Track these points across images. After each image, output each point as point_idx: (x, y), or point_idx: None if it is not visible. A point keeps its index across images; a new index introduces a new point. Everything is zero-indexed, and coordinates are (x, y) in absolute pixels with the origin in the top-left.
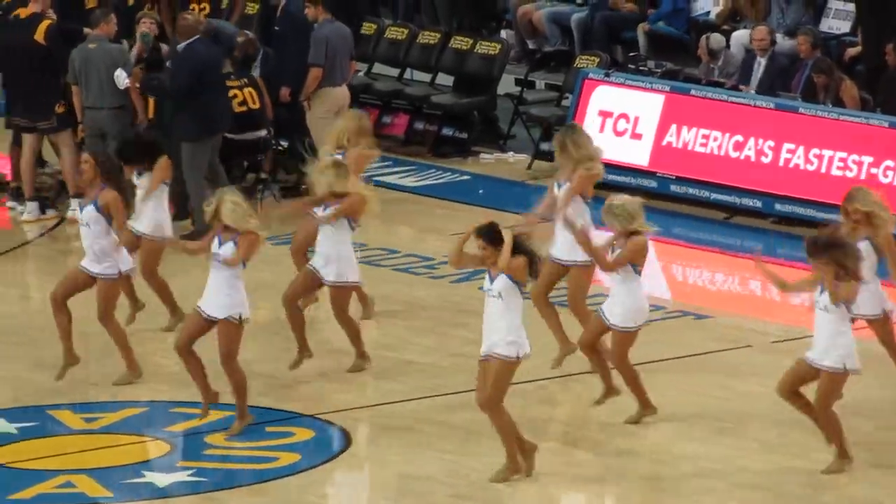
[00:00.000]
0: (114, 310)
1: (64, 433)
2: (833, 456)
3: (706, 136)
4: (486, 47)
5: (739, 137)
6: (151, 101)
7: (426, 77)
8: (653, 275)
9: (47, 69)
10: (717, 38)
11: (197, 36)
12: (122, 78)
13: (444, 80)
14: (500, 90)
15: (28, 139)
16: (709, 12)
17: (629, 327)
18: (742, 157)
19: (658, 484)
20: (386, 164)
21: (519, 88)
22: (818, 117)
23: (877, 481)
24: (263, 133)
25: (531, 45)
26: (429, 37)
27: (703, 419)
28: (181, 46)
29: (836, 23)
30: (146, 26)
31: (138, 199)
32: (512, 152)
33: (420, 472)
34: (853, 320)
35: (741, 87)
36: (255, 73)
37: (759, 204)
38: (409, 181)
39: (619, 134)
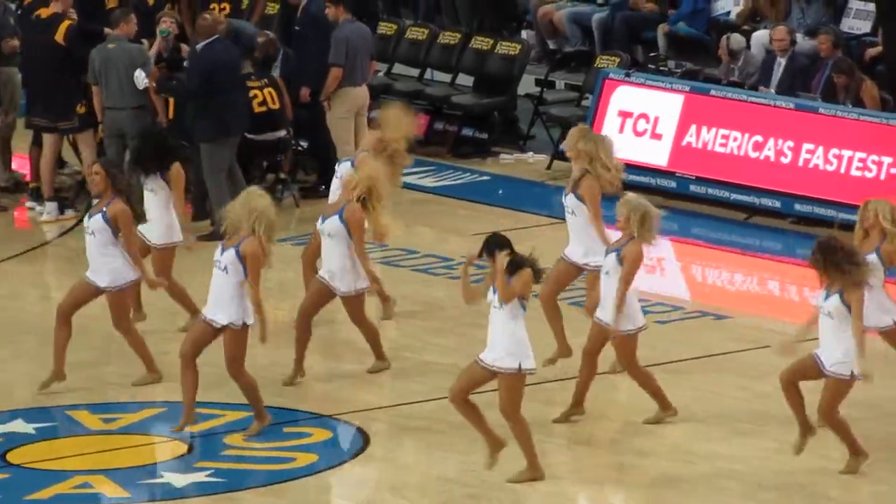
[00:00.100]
0: (128, 316)
1: (82, 434)
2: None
3: (726, 137)
4: (507, 47)
5: (759, 137)
6: (171, 101)
7: (446, 77)
8: (672, 275)
9: (67, 69)
10: (737, 39)
11: (216, 36)
12: (141, 78)
13: (465, 80)
14: (521, 90)
15: (49, 139)
16: (729, 12)
17: (629, 330)
18: (762, 157)
19: (676, 484)
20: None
21: (539, 89)
22: (838, 117)
23: None
24: (283, 133)
25: (551, 46)
26: (449, 37)
27: (721, 419)
28: (199, 46)
29: (857, 23)
30: (166, 24)
31: (148, 205)
32: (532, 153)
33: (438, 473)
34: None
35: (760, 87)
36: (275, 73)
37: (778, 204)
38: (428, 181)
39: (638, 134)
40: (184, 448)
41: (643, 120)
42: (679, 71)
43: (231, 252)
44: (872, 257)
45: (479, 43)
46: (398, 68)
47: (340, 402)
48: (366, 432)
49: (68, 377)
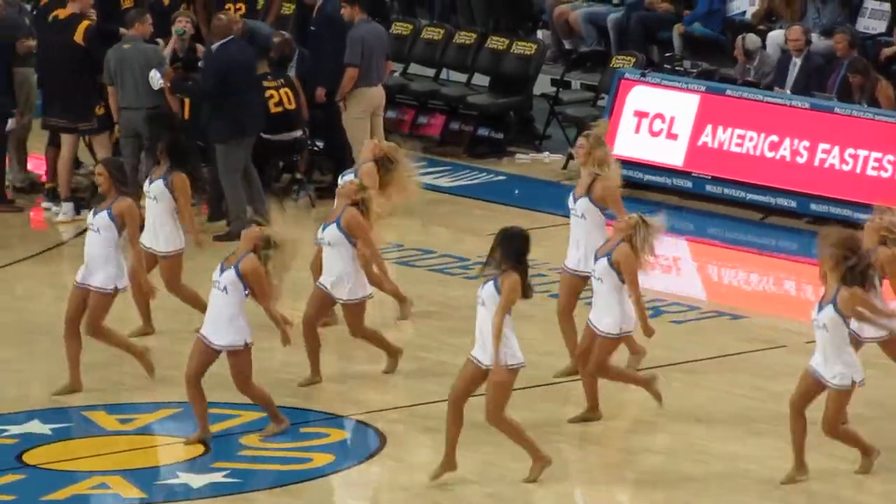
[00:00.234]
0: (102, 321)
1: (98, 434)
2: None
3: (741, 137)
4: (523, 47)
5: (775, 137)
6: (187, 101)
7: (462, 77)
8: (688, 275)
9: (86, 70)
10: (752, 39)
11: (231, 36)
12: (156, 78)
13: (480, 80)
14: (536, 90)
15: (67, 140)
16: (745, 12)
17: (613, 334)
18: (777, 157)
19: (690, 484)
20: (421, 164)
21: (555, 89)
22: (853, 117)
23: None
24: (299, 133)
25: (567, 46)
26: (465, 37)
27: (736, 419)
28: (214, 47)
29: (873, 22)
30: (182, 24)
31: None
32: (547, 152)
33: (455, 473)
34: (861, 344)
35: (775, 87)
36: (291, 73)
37: (794, 204)
38: (444, 181)
39: (654, 134)
40: (200, 448)
41: (659, 120)
42: (695, 71)
43: (231, 272)
44: None
45: (495, 43)
46: (414, 68)
47: (357, 403)
48: (382, 432)
49: (84, 378)
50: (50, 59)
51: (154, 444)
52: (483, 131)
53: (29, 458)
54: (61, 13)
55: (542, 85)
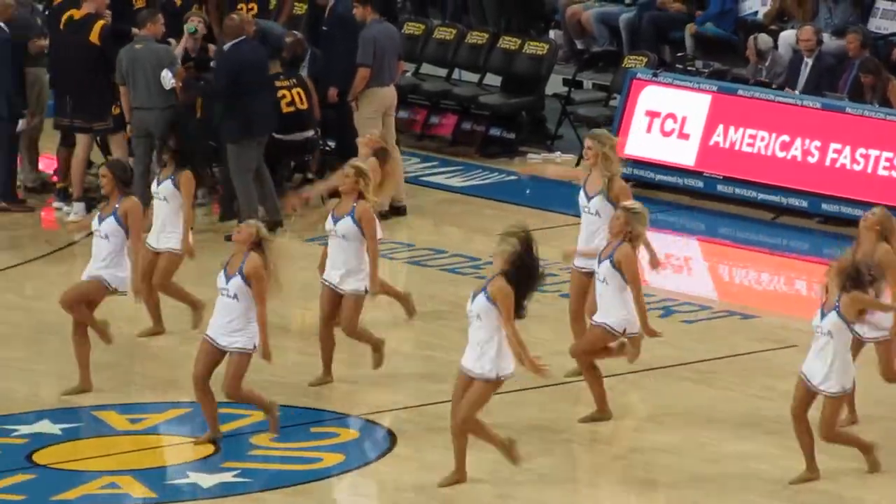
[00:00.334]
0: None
1: (108, 434)
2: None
3: (753, 136)
4: (534, 47)
5: (786, 137)
6: (199, 101)
7: (474, 77)
8: (699, 274)
9: (101, 70)
10: (764, 39)
11: (243, 37)
12: (168, 78)
13: (492, 80)
14: (548, 90)
15: (82, 140)
16: (756, 12)
17: (616, 331)
18: (789, 156)
19: (702, 484)
20: (433, 164)
21: (567, 88)
22: (865, 117)
23: None
24: (311, 133)
25: (579, 45)
26: (477, 37)
27: (748, 419)
28: (226, 47)
29: (884, 23)
30: (194, 22)
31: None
32: (559, 152)
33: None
34: (863, 345)
35: (787, 88)
36: (303, 73)
37: (805, 204)
38: (456, 181)
39: (666, 134)
40: (210, 448)
41: (671, 120)
42: (706, 71)
43: (238, 279)
44: None
45: (507, 43)
46: (426, 68)
47: (367, 402)
48: (393, 432)
49: (94, 378)
50: (65, 60)
51: (164, 443)
52: (495, 131)
53: (39, 458)
54: (76, 13)
55: (554, 85)
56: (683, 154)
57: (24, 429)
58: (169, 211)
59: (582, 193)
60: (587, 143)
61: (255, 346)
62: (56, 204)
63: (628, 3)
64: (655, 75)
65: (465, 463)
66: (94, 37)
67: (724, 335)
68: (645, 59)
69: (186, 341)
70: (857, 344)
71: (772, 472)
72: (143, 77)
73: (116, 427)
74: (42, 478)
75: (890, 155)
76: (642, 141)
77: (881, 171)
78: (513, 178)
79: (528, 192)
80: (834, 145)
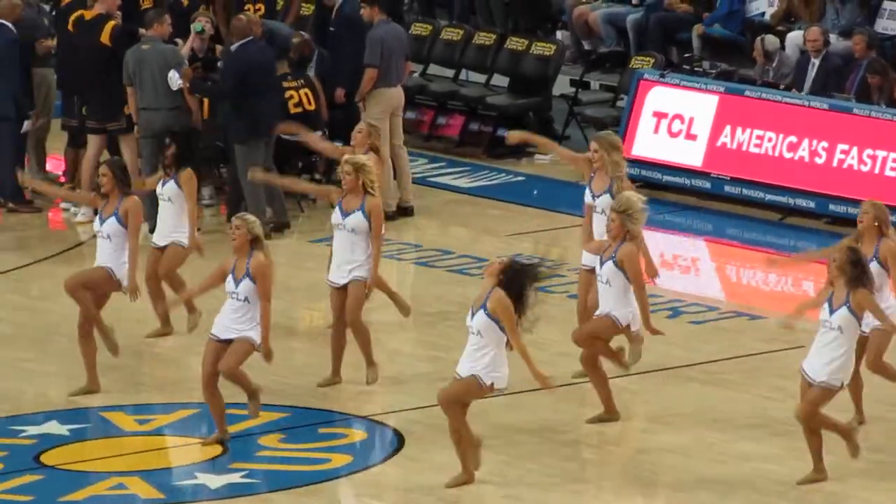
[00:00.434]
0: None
1: (116, 435)
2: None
3: (760, 137)
4: (542, 48)
5: (793, 138)
6: (206, 101)
7: (481, 78)
8: (707, 275)
9: (113, 70)
10: (771, 40)
11: (250, 37)
12: (175, 79)
13: (500, 80)
14: (556, 91)
15: (94, 140)
16: (764, 13)
17: (620, 323)
18: (796, 157)
19: (711, 485)
20: (440, 164)
21: (574, 89)
22: (872, 118)
23: None
24: (318, 134)
25: (586, 46)
26: (484, 38)
27: (756, 420)
28: (233, 47)
29: (891, 23)
30: (201, 22)
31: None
32: None
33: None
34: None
35: (794, 89)
36: (310, 73)
37: (812, 204)
38: (463, 182)
39: (673, 135)
40: (218, 449)
41: (678, 121)
42: (714, 72)
43: (247, 281)
44: (873, 265)
45: (514, 44)
46: (433, 69)
47: (375, 404)
48: (401, 433)
49: (102, 379)
50: (78, 61)
51: (172, 444)
52: (502, 132)
53: (47, 458)
54: (87, 14)
55: (562, 86)
56: (691, 155)
57: (32, 429)
58: (174, 212)
59: (588, 192)
60: (592, 145)
61: (258, 344)
62: (63, 205)
63: (635, 4)
64: (663, 76)
65: (470, 463)
66: (105, 37)
67: (731, 336)
68: (652, 60)
69: (194, 342)
70: (862, 339)
71: (780, 473)
72: (150, 78)
73: (124, 428)
74: (50, 478)
75: None
76: (649, 142)
77: (888, 172)
78: (520, 178)
79: (535, 192)
80: (841, 146)
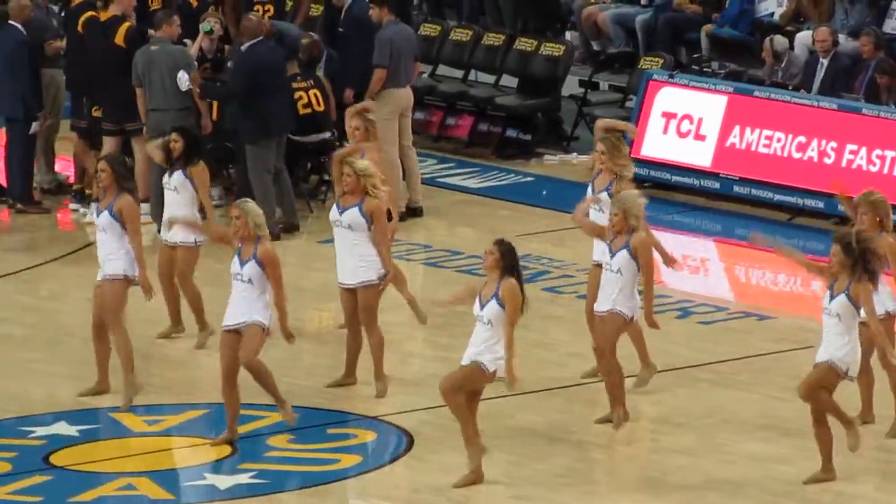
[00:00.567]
0: (120, 312)
1: (125, 436)
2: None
3: (769, 138)
4: (551, 49)
5: (802, 138)
6: (216, 102)
7: (490, 79)
8: (716, 276)
9: (128, 71)
10: (780, 41)
11: (259, 38)
12: (184, 80)
13: (509, 81)
14: (565, 91)
15: (109, 142)
16: (773, 13)
17: (626, 315)
18: (805, 158)
19: (720, 485)
20: (450, 165)
21: (583, 90)
22: (881, 118)
23: None
24: (327, 135)
25: (595, 47)
26: (493, 38)
27: (766, 420)
28: (243, 48)
29: None
30: (210, 22)
31: (171, 204)
32: (576, 153)
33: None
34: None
35: (803, 89)
36: (319, 74)
37: (821, 205)
38: (472, 182)
39: (682, 135)
40: (227, 450)
41: (687, 121)
42: (722, 72)
43: (252, 263)
44: None
45: (523, 44)
46: (442, 69)
47: (384, 404)
48: (410, 434)
49: (111, 380)
50: (93, 63)
51: (181, 445)
52: (511, 132)
53: (56, 459)
54: (103, 15)
55: (571, 86)
56: (699, 155)
57: (42, 430)
58: (181, 202)
59: (590, 188)
60: (598, 147)
61: (269, 327)
62: (72, 205)
63: (644, 5)
64: (671, 76)
65: (480, 464)
66: (119, 39)
67: (740, 336)
68: (661, 61)
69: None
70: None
71: (789, 473)
72: (159, 78)
73: (133, 429)
74: (59, 479)
75: None
76: (658, 142)
77: None
78: (529, 179)
79: (544, 193)
80: (850, 146)
